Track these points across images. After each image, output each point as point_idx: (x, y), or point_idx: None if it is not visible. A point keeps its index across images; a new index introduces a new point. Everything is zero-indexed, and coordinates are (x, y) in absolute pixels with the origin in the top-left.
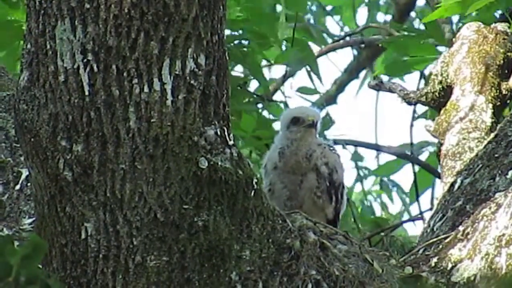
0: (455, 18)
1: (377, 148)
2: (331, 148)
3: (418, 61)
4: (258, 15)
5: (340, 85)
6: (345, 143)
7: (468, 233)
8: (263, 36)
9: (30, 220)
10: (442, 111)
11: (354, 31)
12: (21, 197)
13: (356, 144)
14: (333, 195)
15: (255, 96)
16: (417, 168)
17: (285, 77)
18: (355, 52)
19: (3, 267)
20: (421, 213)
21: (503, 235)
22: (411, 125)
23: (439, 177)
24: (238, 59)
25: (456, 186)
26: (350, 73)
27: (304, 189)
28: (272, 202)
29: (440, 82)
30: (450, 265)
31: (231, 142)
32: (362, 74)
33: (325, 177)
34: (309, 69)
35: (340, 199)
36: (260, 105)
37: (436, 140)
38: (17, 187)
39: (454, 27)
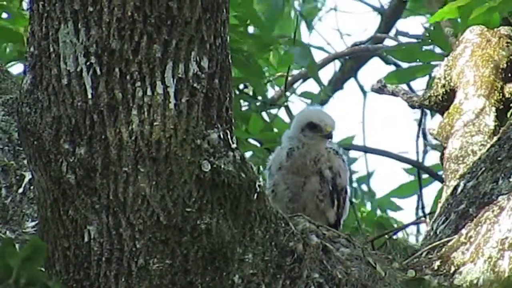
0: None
1: (384, 154)
2: (336, 153)
3: (423, 68)
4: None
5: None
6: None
7: (471, 236)
8: (263, 40)
9: (33, 223)
10: (445, 115)
11: (362, 42)
12: (24, 200)
13: (364, 150)
14: (335, 199)
15: (258, 100)
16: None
17: (286, 84)
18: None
19: (4, 269)
20: (424, 215)
21: (506, 238)
22: (418, 136)
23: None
24: (240, 63)
25: (459, 189)
26: (335, 84)
27: (306, 191)
28: (275, 204)
29: (443, 86)
30: (453, 268)
31: (234, 145)
32: (347, 84)
33: (328, 181)
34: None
35: (342, 203)
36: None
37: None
38: (20, 190)
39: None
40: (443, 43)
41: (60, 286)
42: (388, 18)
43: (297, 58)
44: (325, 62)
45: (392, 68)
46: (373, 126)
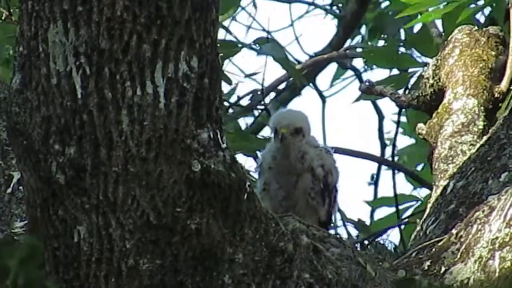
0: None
1: (363, 156)
2: (327, 151)
3: (400, 78)
4: None
5: (282, 103)
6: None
7: (461, 236)
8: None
9: (21, 224)
10: (434, 115)
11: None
12: (12, 201)
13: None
14: (327, 197)
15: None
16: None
17: (262, 87)
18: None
19: (1, 270)
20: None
21: (497, 238)
22: (396, 133)
23: (422, 184)
24: None
25: (449, 189)
26: (293, 90)
27: (298, 189)
28: (266, 202)
29: (432, 86)
30: (443, 268)
31: (224, 145)
32: (305, 91)
33: (320, 179)
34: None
35: (333, 202)
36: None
37: None
38: (9, 190)
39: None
40: (426, 47)
41: (56, 286)
42: (347, 23)
43: (268, 51)
44: (306, 67)
45: (350, 73)
46: (332, 133)
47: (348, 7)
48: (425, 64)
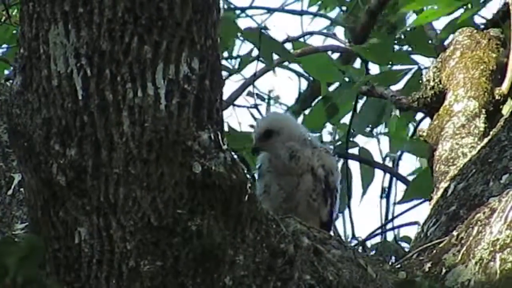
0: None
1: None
2: (327, 152)
3: (393, 74)
4: None
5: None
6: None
7: (462, 238)
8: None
9: (22, 225)
10: (435, 117)
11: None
12: (13, 203)
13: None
14: (329, 197)
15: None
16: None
17: (254, 79)
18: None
19: (1, 268)
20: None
21: (497, 240)
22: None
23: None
24: None
25: (450, 191)
26: (303, 102)
27: (300, 191)
28: (267, 204)
29: (432, 88)
30: (444, 270)
31: (224, 147)
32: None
33: (321, 180)
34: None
35: (334, 202)
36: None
37: None
38: (9, 192)
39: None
40: (423, 46)
41: (57, 286)
42: (357, 35)
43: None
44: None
45: None
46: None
47: (358, 19)
48: (421, 67)
